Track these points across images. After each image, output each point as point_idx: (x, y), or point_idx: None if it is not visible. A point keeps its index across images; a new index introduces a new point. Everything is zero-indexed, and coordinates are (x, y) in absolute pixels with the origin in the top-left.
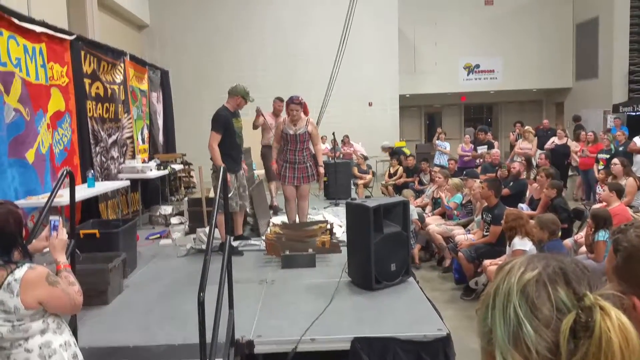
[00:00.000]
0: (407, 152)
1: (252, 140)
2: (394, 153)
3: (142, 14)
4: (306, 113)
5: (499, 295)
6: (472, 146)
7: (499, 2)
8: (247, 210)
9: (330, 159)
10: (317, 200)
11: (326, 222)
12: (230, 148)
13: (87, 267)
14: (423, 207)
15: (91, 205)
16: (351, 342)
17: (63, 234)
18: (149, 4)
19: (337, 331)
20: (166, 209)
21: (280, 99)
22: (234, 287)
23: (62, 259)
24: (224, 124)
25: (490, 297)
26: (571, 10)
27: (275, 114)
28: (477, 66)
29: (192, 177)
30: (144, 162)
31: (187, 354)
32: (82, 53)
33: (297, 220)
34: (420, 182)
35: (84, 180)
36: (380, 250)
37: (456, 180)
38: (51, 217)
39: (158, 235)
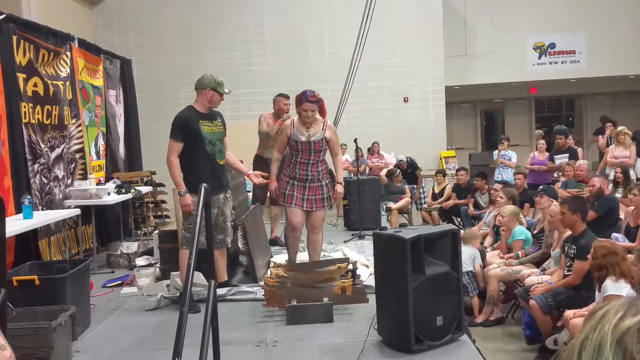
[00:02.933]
0: (442, 166)
1: (245, 151)
2: (410, 167)
3: None
4: (323, 114)
5: (586, 348)
6: (548, 155)
7: None
8: (240, 246)
9: (352, 175)
10: (334, 232)
11: (347, 260)
12: (198, 161)
13: (22, 326)
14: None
15: (28, 243)
16: None
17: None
18: None
19: None
20: (130, 247)
21: (285, 96)
22: (222, 350)
23: None
24: (184, 127)
25: (576, 350)
26: None
27: (278, 115)
28: (552, 46)
29: (164, 202)
30: (99, 183)
31: None
32: (15, 38)
33: (308, 258)
34: (476, 205)
35: (18, 210)
36: (421, 298)
37: (511, 207)
38: None
39: (119, 282)
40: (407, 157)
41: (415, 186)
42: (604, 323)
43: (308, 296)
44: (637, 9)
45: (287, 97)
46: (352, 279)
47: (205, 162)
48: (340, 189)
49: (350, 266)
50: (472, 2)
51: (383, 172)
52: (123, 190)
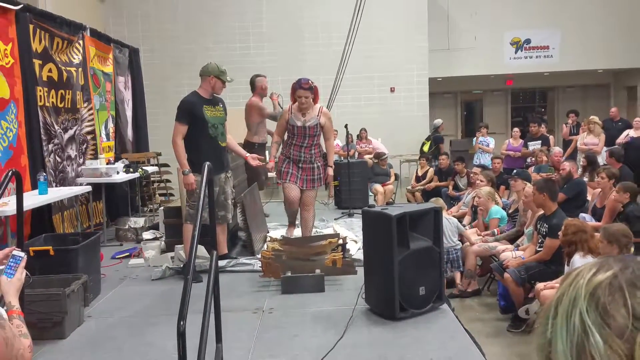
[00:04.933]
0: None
1: (245, 134)
2: (435, 141)
3: None
4: (316, 100)
5: (562, 303)
6: (522, 142)
7: None
8: (239, 223)
9: (342, 158)
10: (325, 210)
11: (337, 236)
12: (201, 143)
13: (38, 292)
14: (460, 218)
15: (43, 217)
16: None
17: (22, 274)
18: None
19: None
20: (137, 222)
21: (263, 75)
22: (223, 316)
23: (16, 303)
24: (190, 111)
25: (553, 305)
26: None
27: (262, 95)
28: (528, 42)
29: (169, 182)
30: (108, 163)
31: None
32: (31, 27)
33: (301, 234)
34: (456, 187)
35: (34, 186)
36: (405, 270)
37: (487, 188)
38: (15, 252)
39: (127, 254)
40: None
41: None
42: (578, 279)
43: (301, 268)
44: (607, 8)
45: (264, 76)
46: (342, 253)
47: (208, 143)
48: (330, 171)
49: (340, 241)
50: None
51: (368, 158)
52: (131, 170)
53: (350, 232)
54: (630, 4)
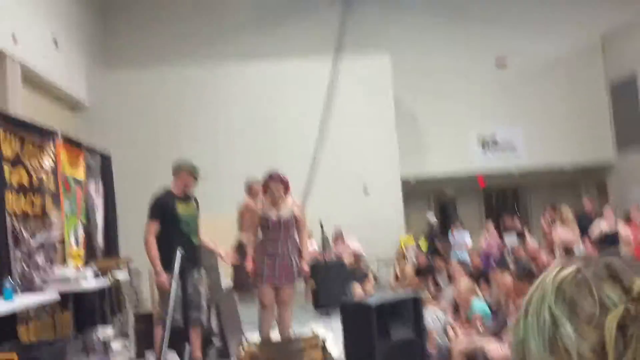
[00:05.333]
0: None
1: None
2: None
3: (77, 91)
4: (288, 192)
5: (531, 302)
6: (500, 241)
7: (514, 64)
8: (212, 327)
9: (319, 261)
10: (302, 312)
11: (317, 337)
12: (174, 240)
13: None
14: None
15: (6, 327)
16: None
17: None
18: (86, 80)
19: None
20: (106, 333)
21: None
22: None
23: None
24: (161, 208)
25: (523, 307)
26: (602, 69)
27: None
28: (494, 140)
29: (139, 293)
30: (77, 270)
31: None
32: (1, 132)
33: (279, 335)
34: (436, 285)
35: None
36: None
37: (467, 282)
38: None
39: None
40: None
41: None
42: (544, 279)
43: None
44: (568, 106)
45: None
46: (322, 353)
47: (180, 241)
48: (305, 267)
49: (320, 342)
50: (422, 98)
51: (347, 257)
52: (100, 278)
53: (330, 333)
54: (589, 100)
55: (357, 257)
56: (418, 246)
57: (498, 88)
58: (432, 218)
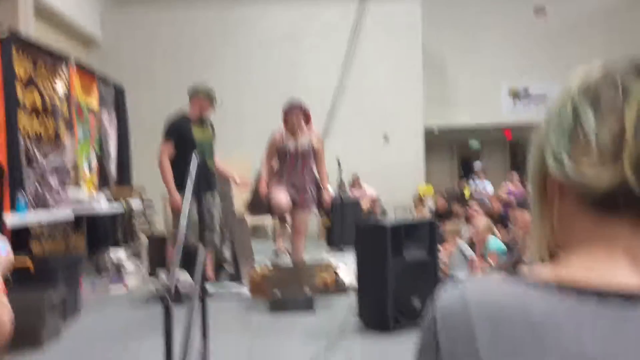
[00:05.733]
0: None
1: None
2: None
3: (91, 27)
4: (309, 123)
5: (555, 101)
6: (524, 191)
7: (553, 13)
8: (226, 253)
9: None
10: (315, 247)
11: (329, 263)
12: (188, 164)
13: (17, 298)
14: None
15: (21, 240)
16: None
17: (11, 255)
18: (100, 16)
19: None
20: (119, 255)
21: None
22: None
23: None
24: (175, 130)
25: (545, 110)
26: None
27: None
28: (526, 92)
29: (151, 223)
30: (90, 194)
31: None
32: (15, 53)
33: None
34: None
35: (12, 207)
36: (400, 281)
37: (484, 220)
38: None
39: (107, 284)
40: None
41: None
42: (569, 77)
43: (291, 288)
44: (610, 55)
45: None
46: (334, 275)
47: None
48: (326, 195)
49: (332, 268)
50: (451, 45)
51: (364, 202)
52: (115, 205)
53: (342, 264)
54: (635, 52)
55: (373, 202)
56: (441, 195)
57: (535, 39)
58: (478, 165)
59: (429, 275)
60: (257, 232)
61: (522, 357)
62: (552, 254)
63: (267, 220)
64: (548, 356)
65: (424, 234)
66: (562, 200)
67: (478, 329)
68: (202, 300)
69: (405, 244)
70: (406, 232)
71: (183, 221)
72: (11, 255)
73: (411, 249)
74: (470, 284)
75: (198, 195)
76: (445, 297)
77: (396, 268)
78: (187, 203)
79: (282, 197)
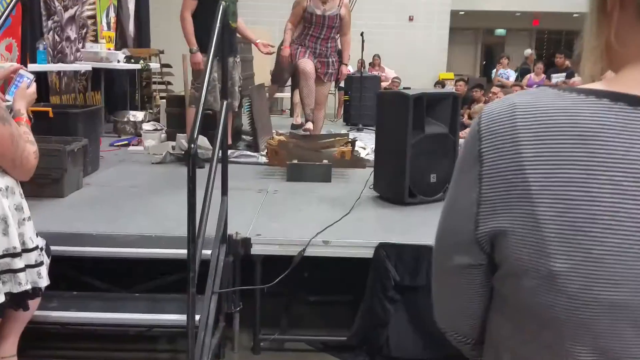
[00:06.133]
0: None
1: None
2: (522, 73)
3: None
4: None
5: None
6: (544, 77)
7: None
8: (242, 124)
9: (354, 74)
10: (333, 126)
11: (347, 134)
12: (211, 22)
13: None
14: None
15: (39, 93)
16: (375, 249)
17: (34, 89)
18: None
19: (358, 236)
20: (136, 115)
21: None
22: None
23: (25, 112)
24: None
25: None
26: None
27: None
28: None
29: (170, 84)
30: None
31: (165, 244)
32: None
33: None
34: (471, 117)
35: (32, 60)
36: (418, 155)
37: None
38: (23, 72)
39: (126, 142)
40: None
41: None
42: None
43: (309, 158)
44: None
45: None
46: (352, 148)
47: None
48: (344, 69)
49: (350, 137)
50: None
51: (383, 85)
52: (132, 60)
53: (360, 142)
54: None
55: (393, 83)
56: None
57: None
58: (528, 51)
59: (447, 152)
60: (274, 106)
61: (569, 167)
62: (603, 73)
63: (285, 94)
64: (597, 166)
65: (446, 107)
66: (623, 10)
67: (524, 138)
68: (223, 163)
69: (426, 116)
70: (428, 103)
71: (204, 82)
72: (34, 89)
73: (432, 123)
74: (519, 95)
75: (221, 56)
76: (493, 104)
77: (415, 141)
78: (209, 63)
79: (308, 62)
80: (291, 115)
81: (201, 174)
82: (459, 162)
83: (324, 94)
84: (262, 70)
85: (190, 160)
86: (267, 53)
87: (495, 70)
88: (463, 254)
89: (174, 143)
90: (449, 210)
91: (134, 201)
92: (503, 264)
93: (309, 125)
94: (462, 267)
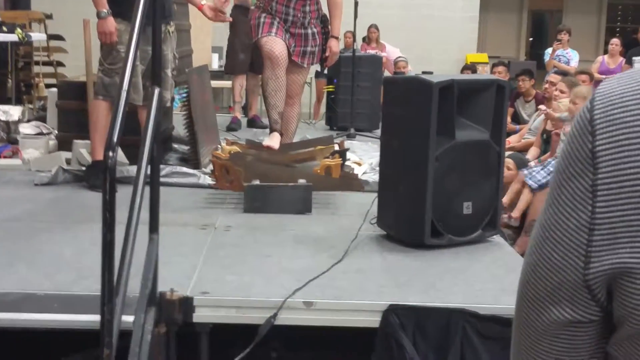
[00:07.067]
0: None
1: None
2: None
3: None
4: None
5: None
6: (623, 60)
7: None
8: (176, 124)
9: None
10: (311, 131)
11: (331, 140)
12: None
13: None
14: (521, 151)
15: None
16: (383, 314)
17: None
18: None
19: (356, 295)
20: (10, 112)
21: None
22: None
23: None
24: None
25: None
26: None
27: None
28: None
29: (61, 65)
30: None
31: (60, 306)
32: None
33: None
34: (516, 118)
35: None
36: (446, 173)
37: (582, 89)
38: None
39: None
40: None
41: None
42: None
43: (277, 176)
44: None
45: None
46: (340, 161)
47: None
48: (335, 44)
49: (337, 147)
50: None
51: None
52: (4, 29)
53: (353, 155)
54: None
55: (398, 64)
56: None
57: None
58: None
59: (490, 169)
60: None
61: None
62: None
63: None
64: None
65: (487, 102)
66: None
67: None
68: (152, 186)
69: (458, 117)
70: (461, 95)
71: (122, 62)
72: None
73: (466, 125)
74: None
75: (149, 23)
76: (612, 81)
77: (442, 152)
78: (133, 34)
79: (276, 41)
80: (245, 111)
81: (117, 201)
82: (558, 169)
83: (299, 82)
84: (204, 44)
85: (107, 177)
86: (219, 20)
87: (551, 50)
88: (565, 305)
89: (69, 154)
90: (543, 241)
91: (9, 242)
92: (626, 321)
93: (273, 140)
94: (563, 324)
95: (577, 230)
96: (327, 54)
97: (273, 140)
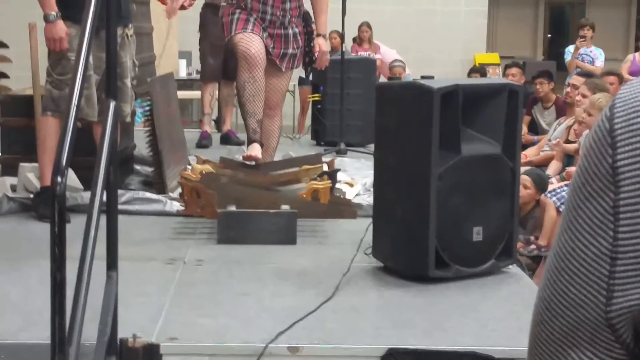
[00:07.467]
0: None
1: None
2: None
3: None
4: None
5: None
6: None
7: None
8: (137, 142)
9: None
10: (296, 147)
11: (319, 159)
12: None
13: None
14: (539, 166)
15: None
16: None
17: None
18: None
19: (350, 338)
20: None
21: None
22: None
23: None
24: None
25: None
26: None
27: None
28: None
29: (4, 77)
30: None
31: (6, 357)
32: None
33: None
34: (533, 127)
35: None
36: (451, 194)
37: (599, 96)
38: None
39: None
40: None
41: None
42: None
43: (255, 201)
44: None
45: None
46: (330, 184)
47: None
48: (323, 43)
49: (326, 167)
50: None
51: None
52: None
53: (343, 174)
54: None
55: (394, 68)
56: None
57: None
58: None
59: (502, 188)
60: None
61: None
62: None
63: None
64: None
65: (498, 110)
66: None
67: None
68: (109, 214)
69: (464, 128)
70: (467, 102)
71: (73, 71)
72: None
73: (474, 137)
74: None
75: (102, 26)
76: (634, 87)
77: (446, 168)
78: (83, 39)
79: (253, 39)
80: (217, 126)
81: (69, 233)
82: (573, 188)
83: (280, 90)
84: (170, 49)
85: (55, 206)
86: (171, 16)
87: (573, 48)
88: (584, 348)
89: (14, 180)
90: (558, 273)
91: None
92: None
93: (254, 149)
94: None
95: (597, 259)
96: (316, 55)
97: (254, 150)
